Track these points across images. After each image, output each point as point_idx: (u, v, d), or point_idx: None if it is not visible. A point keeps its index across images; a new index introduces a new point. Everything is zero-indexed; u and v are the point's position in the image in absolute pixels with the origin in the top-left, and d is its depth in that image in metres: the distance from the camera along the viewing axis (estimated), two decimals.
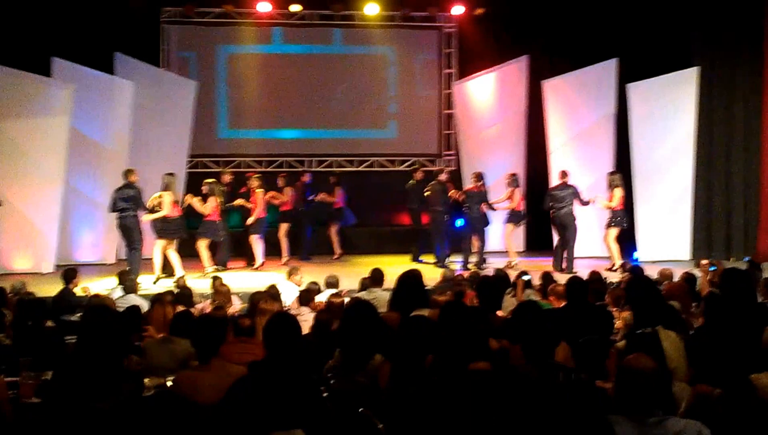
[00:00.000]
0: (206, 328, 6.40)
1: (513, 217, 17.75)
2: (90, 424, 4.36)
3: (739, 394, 4.98)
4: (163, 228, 15.74)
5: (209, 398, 5.37)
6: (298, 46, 21.84)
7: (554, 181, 18.05)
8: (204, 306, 11.13)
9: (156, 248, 15.78)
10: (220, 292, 11.54)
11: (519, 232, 18.88)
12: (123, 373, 6.13)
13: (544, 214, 17.63)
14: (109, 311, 8.50)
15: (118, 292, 12.05)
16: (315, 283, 11.79)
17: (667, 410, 4.62)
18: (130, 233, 15.46)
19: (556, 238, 17.47)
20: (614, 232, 16.78)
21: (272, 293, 10.69)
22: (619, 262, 16.27)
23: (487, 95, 20.43)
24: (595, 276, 11.84)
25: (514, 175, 17.88)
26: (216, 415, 4.90)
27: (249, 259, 17.50)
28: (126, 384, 5.99)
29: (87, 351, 6.41)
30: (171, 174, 16.11)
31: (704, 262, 13.12)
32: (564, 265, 16.54)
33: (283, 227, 17.99)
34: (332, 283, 12.33)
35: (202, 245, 16.38)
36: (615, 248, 16.76)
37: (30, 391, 6.52)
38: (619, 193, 16.76)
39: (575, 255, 16.75)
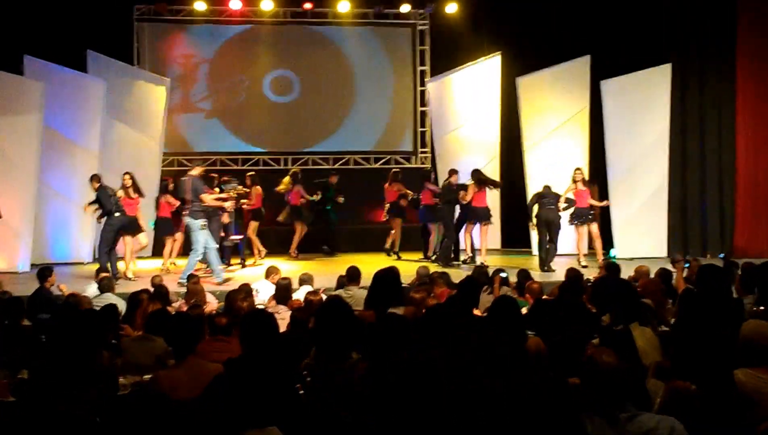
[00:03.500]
0: (181, 326, 6.39)
1: (469, 215, 17.50)
2: (63, 422, 4.35)
3: (717, 389, 5.01)
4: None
5: (185, 396, 5.35)
6: (270, 44, 21.81)
7: (530, 178, 18.12)
8: (180, 305, 11.10)
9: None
10: (194, 292, 11.50)
11: (494, 230, 18.74)
12: (96, 369, 6.10)
13: (521, 212, 17.66)
14: (80, 309, 8.47)
15: (94, 291, 11.99)
16: (286, 279, 11.74)
17: (641, 406, 4.63)
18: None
19: (535, 236, 17.41)
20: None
21: (246, 291, 10.66)
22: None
23: (461, 92, 20.46)
24: (573, 273, 11.86)
25: (473, 171, 17.55)
26: (192, 413, 4.89)
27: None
28: (99, 381, 5.97)
29: (59, 349, 6.37)
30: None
31: (679, 259, 13.17)
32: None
33: (253, 225, 17.95)
34: (306, 280, 12.30)
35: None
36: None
37: (5, 390, 6.48)
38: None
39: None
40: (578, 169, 17.02)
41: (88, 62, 18.43)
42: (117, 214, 15.43)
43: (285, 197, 18.34)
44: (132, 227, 15.76)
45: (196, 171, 15.15)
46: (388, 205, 18.66)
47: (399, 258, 18.20)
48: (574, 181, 16.75)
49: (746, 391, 5.13)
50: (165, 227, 16.89)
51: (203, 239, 14.67)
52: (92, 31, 18.59)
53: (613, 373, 4.50)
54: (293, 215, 18.62)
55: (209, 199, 15.11)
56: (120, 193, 15.56)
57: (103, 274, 13.01)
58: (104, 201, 15.50)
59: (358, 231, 20.85)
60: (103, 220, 15.60)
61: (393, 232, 18.69)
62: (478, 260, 16.78)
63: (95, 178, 15.73)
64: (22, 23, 17.79)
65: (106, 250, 15.37)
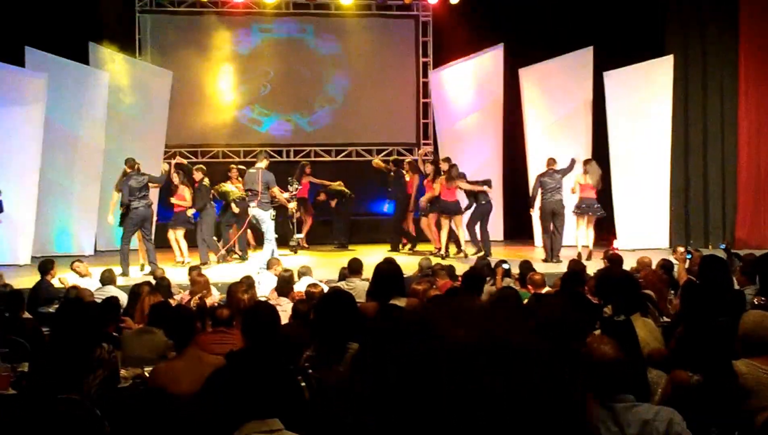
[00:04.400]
0: (178, 318, 6.40)
1: (439, 208, 17.25)
2: (64, 415, 4.35)
3: (718, 380, 5.00)
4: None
5: (185, 388, 5.35)
6: (273, 35, 21.80)
7: (533, 168, 18.09)
8: (183, 297, 11.11)
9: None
10: (198, 283, 11.50)
11: (496, 221, 18.68)
12: (95, 362, 6.10)
13: (523, 203, 17.66)
14: (83, 302, 8.48)
15: (96, 284, 12.00)
16: (288, 271, 11.75)
17: (641, 397, 4.63)
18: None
19: (539, 226, 17.40)
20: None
21: (249, 283, 10.66)
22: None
23: (463, 84, 20.44)
24: (575, 264, 11.86)
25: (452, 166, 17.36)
26: (192, 405, 4.89)
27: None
28: (98, 373, 5.97)
29: (60, 342, 6.38)
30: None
31: (680, 249, 13.16)
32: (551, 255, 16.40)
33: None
34: (305, 272, 12.32)
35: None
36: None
37: (6, 382, 6.49)
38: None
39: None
40: (588, 162, 16.88)
41: (90, 54, 18.43)
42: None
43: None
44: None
45: (264, 163, 15.51)
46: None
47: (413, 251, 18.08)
48: (585, 173, 16.60)
49: (746, 382, 5.14)
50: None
51: (272, 228, 15.28)
52: (94, 22, 18.56)
53: (611, 363, 4.49)
54: (302, 206, 18.79)
55: (279, 192, 15.71)
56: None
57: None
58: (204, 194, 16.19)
59: (362, 223, 20.78)
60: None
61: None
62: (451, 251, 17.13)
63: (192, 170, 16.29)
64: (23, 15, 17.74)
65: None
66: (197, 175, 16.39)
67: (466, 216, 17.35)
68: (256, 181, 15.14)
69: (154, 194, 16.27)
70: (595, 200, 16.59)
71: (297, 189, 17.82)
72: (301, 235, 19.10)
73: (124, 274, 14.34)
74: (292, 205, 17.25)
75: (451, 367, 1.14)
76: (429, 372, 1.16)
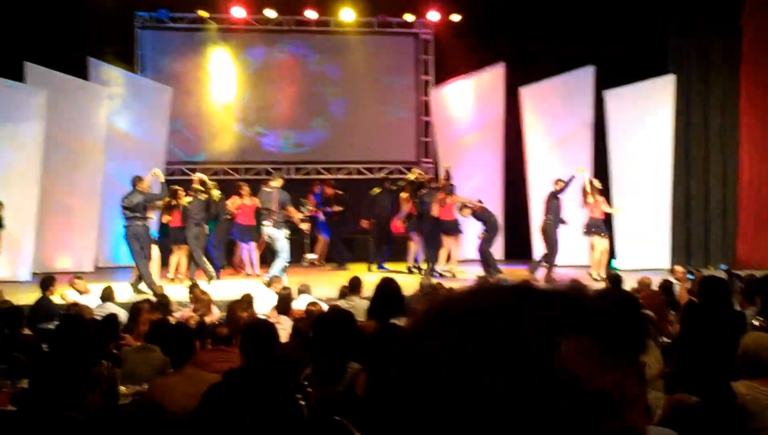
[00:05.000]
0: (176, 336, 6.40)
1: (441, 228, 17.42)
2: (63, 432, 4.34)
3: (717, 402, 4.99)
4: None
5: (183, 406, 5.34)
6: (274, 52, 21.82)
7: (533, 188, 18.15)
8: (183, 314, 11.10)
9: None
10: (201, 300, 11.50)
11: (496, 241, 18.60)
12: (94, 379, 6.10)
13: (523, 222, 17.68)
14: (83, 319, 8.48)
15: (96, 300, 11.99)
16: (287, 289, 11.75)
17: None
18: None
19: (538, 246, 17.47)
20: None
21: (248, 301, 10.66)
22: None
23: (464, 102, 20.47)
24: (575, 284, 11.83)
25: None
26: (189, 423, 4.88)
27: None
28: (98, 390, 5.97)
29: (60, 358, 6.38)
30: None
31: (679, 269, 13.16)
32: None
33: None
34: (304, 290, 12.33)
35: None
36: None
37: (5, 399, 6.48)
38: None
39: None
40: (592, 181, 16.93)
41: (90, 70, 18.45)
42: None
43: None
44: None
45: (279, 182, 15.73)
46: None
47: (420, 271, 17.95)
48: (591, 192, 16.64)
49: (746, 404, 5.13)
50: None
51: (287, 247, 15.37)
52: (94, 38, 18.59)
53: None
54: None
55: (294, 212, 15.85)
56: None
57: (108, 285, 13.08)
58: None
59: (357, 240, 20.72)
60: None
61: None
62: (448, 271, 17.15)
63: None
64: (23, 30, 17.74)
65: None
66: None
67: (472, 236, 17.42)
68: (271, 201, 15.24)
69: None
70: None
71: (310, 210, 17.91)
72: (314, 256, 19.19)
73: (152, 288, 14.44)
74: (305, 226, 17.27)
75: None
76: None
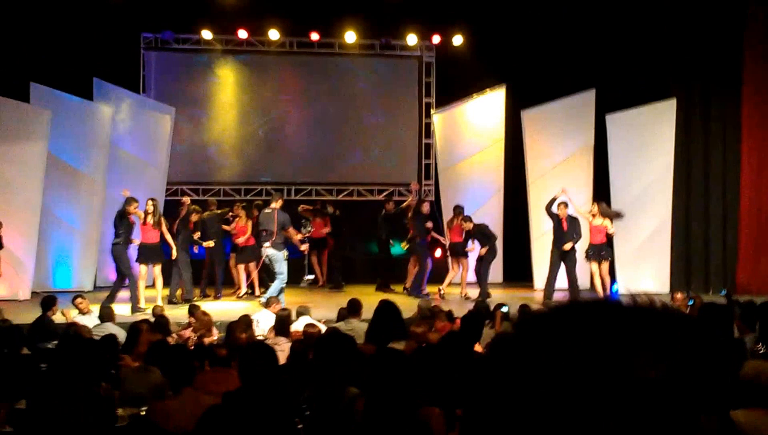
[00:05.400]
0: (175, 357, 6.39)
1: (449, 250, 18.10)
2: None
3: (717, 430, 4.98)
4: None
5: (181, 428, 5.33)
6: (277, 74, 21.88)
7: (534, 209, 18.18)
8: (183, 334, 11.09)
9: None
10: (202, 321, 11.48)
11: (496, 262, 18.56)
12: (95, 400, 6.08)
13: (523, 245, 17.70)
14: (82, 339, 8.46)
15: (94, 321, 11.98)
16: (285, 310, 11.74)
17: None
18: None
19: (539, 268, 17.58)
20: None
21: (246, 322, 10.65)
22: None
23: (466, 125, 20.50)
24: None
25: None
26: None
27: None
28: (97, 412, 5.95)
29: (58, 379, 6.37)
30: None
31: (679, 296, 13.14)
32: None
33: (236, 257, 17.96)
34: (303, 311, 12.32)
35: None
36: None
37: (2, 419, 6.46)
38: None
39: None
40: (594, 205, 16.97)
41: (94, 90, 18.52)
42: None
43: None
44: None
45: (278, 203, 15.72)
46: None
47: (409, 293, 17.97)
48: (593, 215, 16.67)
49: (745, 432, 5.10)
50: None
51: (286, 268, 15.40)
52: (99, 58, 18.65)
53: None
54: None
55: (294, 233, 15.96)
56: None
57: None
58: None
59: (365, 261, 20.77)
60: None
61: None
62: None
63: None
64: (28, 50, 17.82)
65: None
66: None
67: (473, 257, 17.50)
68: (271, 222, 15.28)
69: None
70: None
71: (310, 231, 18.03)
72: (311, 277, 19.32)
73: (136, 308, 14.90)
74: (305, 247, 17.29)
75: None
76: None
